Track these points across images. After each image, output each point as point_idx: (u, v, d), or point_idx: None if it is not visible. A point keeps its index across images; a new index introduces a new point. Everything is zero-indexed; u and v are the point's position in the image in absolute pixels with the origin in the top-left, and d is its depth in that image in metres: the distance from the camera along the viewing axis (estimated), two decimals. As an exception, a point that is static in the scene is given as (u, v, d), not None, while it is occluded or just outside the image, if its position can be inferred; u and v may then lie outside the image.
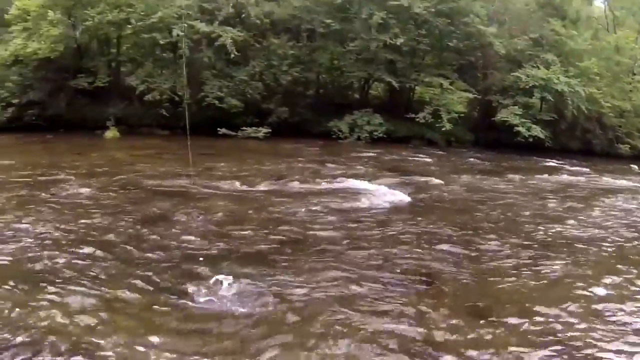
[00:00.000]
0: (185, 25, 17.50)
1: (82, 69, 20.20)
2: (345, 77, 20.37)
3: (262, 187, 9.62)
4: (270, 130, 18.07)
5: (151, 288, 4.52)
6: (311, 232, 6.64)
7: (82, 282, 4.55)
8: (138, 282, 4.64)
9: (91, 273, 4.80)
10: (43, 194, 8.34)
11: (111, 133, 18.12)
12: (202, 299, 4.34)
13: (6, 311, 3.85)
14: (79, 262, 5.12)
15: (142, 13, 18.46)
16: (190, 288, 4.56)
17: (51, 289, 4.34)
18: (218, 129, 17.80)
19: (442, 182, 11.34)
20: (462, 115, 22.41)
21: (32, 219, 6.70)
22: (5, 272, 4.82)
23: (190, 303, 4.27)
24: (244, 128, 18.16)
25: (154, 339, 3.56)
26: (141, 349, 3.41)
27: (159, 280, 4.72)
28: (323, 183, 9.93)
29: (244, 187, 9.52)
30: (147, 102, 18.77)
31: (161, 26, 18.28)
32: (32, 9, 20.29)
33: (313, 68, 19.74)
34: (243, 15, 18.61)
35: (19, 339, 3.48)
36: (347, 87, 21.69)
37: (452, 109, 20.98)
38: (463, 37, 21.42)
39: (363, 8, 19.48)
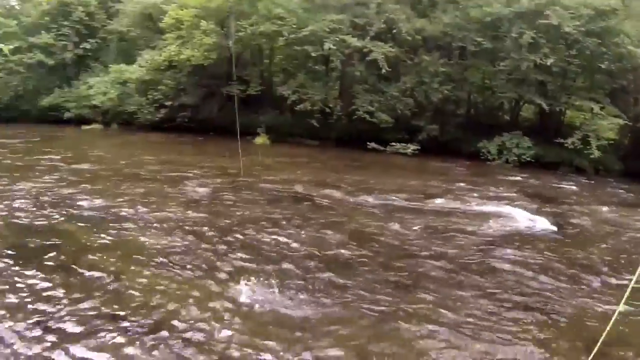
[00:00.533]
0: (337, 39, 18.19)
1: (235, 77, 21.44)
2: (496, 98, 20.03)
3: (403, 202, 9.93)
4: (419, 148, 18.31)
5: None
6: (444, 250, 6.87)
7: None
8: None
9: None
10: (186, 188, 9.95)
11: (261, 139, 19.35)
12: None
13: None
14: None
15: (294, 26, 19.37)
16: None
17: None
18: (367, 142, 18.39)
19: (586, 211, 11.04)
20: (612, 142, 21.22)
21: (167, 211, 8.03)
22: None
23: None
24: (393, 143, 18.55)
25: None
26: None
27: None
28: (466, 204, 10.12)
29: (383, 201, 9.88)
30: (298, 112, 19.65)
31: (313, 39, 19.05)
32: (186, 19, 21.99)
33: (464, 86, 19.66)
34: (394, 31, 18.94)
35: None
36: (498, 107, 21.33)
37: (602, 135, 19.95)
38: (614, 59, 20.31)
39: (513, 27, 19.07)
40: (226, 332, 4.19)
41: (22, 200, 8.65)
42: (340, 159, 16.71)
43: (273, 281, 5.31)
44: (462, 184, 12.63)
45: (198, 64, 21.47)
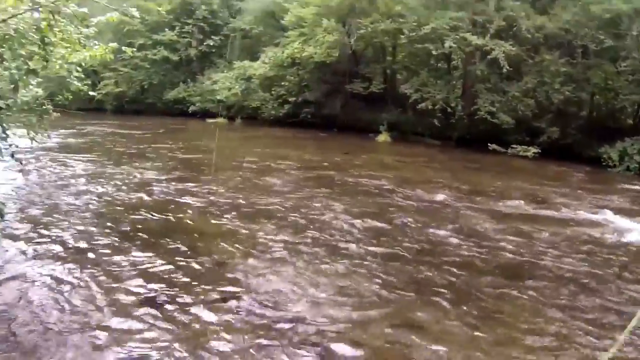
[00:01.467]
0: (458, 37, 19.18)
1: (358, 75, 23.18)
2: (619, 100, 19.65)
3: (514, 208, 9.84)
4: (539, 150, 18.48)
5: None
6: (550, 262, 6.67)
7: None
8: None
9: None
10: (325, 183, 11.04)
11: (383, 137, 20.91)
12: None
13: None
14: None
15: (415, 24, 20.58)
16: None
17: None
18: (488, 144, 18.92)
19: None
20: None
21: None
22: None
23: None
24: (514, 146, 18.84)
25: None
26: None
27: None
28: (578, 212, 9.75)
29: (494, 206, 9.89)
30: (420, 111, 20.79)
31: (433, 37, 20.16)
32: (308, 17, 23.96)
33: (586, 87, 19.28)
34: (514, 29, 19.43)
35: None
36: (620, 110, 20.89)
37: None
38: None
39: (633, 24, 18.73)
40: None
41: (153, 188, 10.02)
42: (459, 160, 17.35)
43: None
44: (579, 191, 12.26)
45: (321, 61, 23.38)
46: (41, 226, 7.13)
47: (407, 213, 8.84)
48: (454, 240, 7.36)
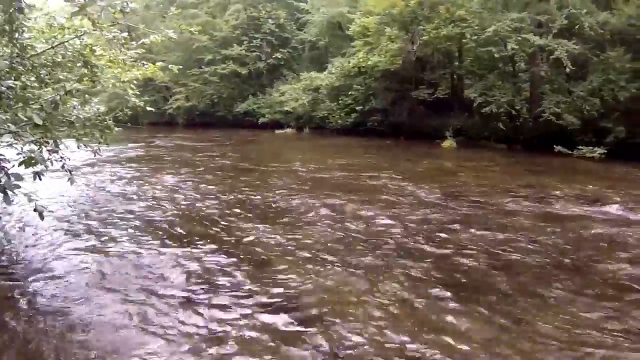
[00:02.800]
0: (520, 38, 20.26)
1: (424, 81, 24.85)
2: None
3: (568, 209, 10.09)
4: (605, 151, 18.76)
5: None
6: (599, 264, 6.83)
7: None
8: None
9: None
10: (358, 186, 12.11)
11: (448, 143, 22.22)
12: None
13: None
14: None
15: (477, 27, 21.99)
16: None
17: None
18: (554, 146, 19.51)
19: None
20: None
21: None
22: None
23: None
24: (580, 147, 19.25)
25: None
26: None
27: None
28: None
29: (546, 207, 10.17)
30: (486, 115, 21.72)
31: (496, 40, 21.43)
32: (372, 26, 25.93)
33: None
34: (577, 27, 20.12)
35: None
36: None
37: None
38: None
39: None
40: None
41: (210, 197, 10.91)
42: (522, 163, 17.92)
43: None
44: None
45: (386, 69, 25.24)
46: (71, 226, 8.49)
47: (446, 215, 9.34)
48: (499, 238, 7.82)
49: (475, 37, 22.02)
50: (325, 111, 29.19)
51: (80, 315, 5.07)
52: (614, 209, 10.07)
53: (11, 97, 5.46)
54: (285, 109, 32.07)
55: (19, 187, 5.13)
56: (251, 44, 38.14)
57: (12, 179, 5.08)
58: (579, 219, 9.22)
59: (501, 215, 9.50)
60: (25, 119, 5.44)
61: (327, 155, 18.96)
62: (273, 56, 37.62)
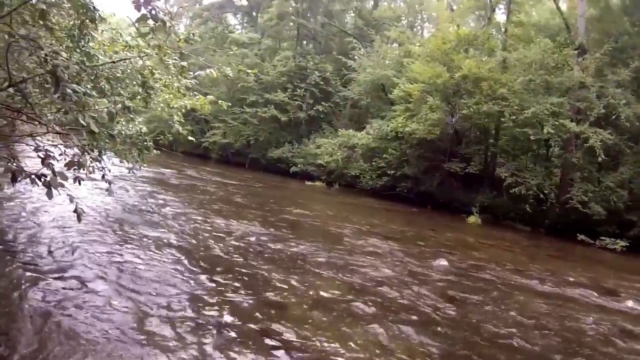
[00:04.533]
0: (557, 123, 21.81)
1: (457, 154, 26.64)
2: None
3: (583, 297, 10.57)
4: (627, 244, 19.62)
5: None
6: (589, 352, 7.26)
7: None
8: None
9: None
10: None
11: (473, 218, 23.48)
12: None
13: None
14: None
15: (516, 107, 23.64)
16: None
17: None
18: (577, 234, 20.58)
19: None
20: None
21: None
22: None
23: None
24: (603, 238, 20.24)
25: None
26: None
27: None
28: None
29: (564, 295, 10.66)
30: (514, 195, 23.01)
31: (534, 122, 23.11)
32: (415, 93, 27.81)
33: None
34: (614, 117, 21.44)
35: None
36: None
37: None
38: None
39: None
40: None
41: (230, 239, 11.46)
42: (542, 247, 18.96)
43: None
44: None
45: (423, 138, 26.92)
46: (101, 234, 9.65)
47: (456, 288, 9.92)
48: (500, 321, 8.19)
49: (514, 117, 23.50)
50: (357, 170, 30.98)
51: (92, 323, 5.68)
52: (629, 302, 10.56)
53: (73, 100, 5.66)
54: (319, 161, 34.09)
55: (62, 185, 5.57)
56: (295, 93, 40.74)
57: (58, 177, 5.48)
58: (592, 309, 9.65)
59: (511, 295, 10.01)
60: (84, 123, 5.69)
61: (353, 214, 20.35)
62: (314, 108, 40.12)
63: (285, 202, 20.63)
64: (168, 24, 6.22)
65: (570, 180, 22.69)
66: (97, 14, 6.22)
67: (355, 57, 37.27)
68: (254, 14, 55.59)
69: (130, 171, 9.50)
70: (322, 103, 40.13)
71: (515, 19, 28.56)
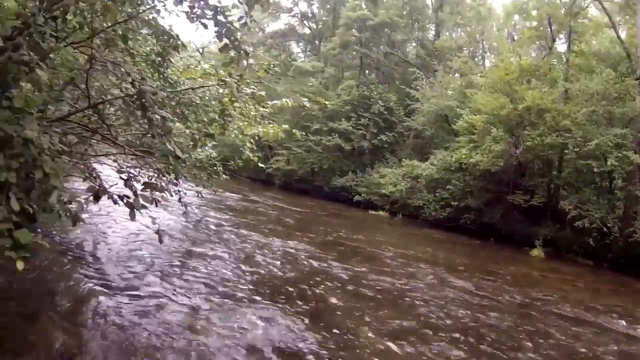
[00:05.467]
0: (620, 155, 22.34)
1: (521, 186, 27.45)
2: None
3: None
4: None
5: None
6: None
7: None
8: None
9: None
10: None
11: (536, 252, 24.04)
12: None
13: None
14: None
15: (580, 139, 24.28)
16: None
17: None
18: None
19: None
20: None
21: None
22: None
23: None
24: None
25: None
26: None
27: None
28: None
29: (615, 327, 11.28)
30: (577, 229, 23.42)
31: (597, 154, 23.69)
32: (478, 124, 28.85)
33: None
34: None
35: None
36: None
37: None
38: None
39: None
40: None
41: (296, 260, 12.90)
42: (607, 283, 19.27)
43: None
44: None
45: (486, 169, 27.78)
46: (176, 255, 10.80)
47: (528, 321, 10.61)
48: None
49: (577, 149, 24.06)
50: (421, 201, 32.03)
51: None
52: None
53: (159, 126, 5.86)
54: (382, 191, 35.36)
55: (146, 207, 5.84)
56: (359, 122, 42.46)
57: (141, 200, 5.74)
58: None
59: (574, 331, 10.44)
60: (171, 149, 5.87)
61: (416, 245, 21.41)
62: (378, 137, 41.69)
63: (348, 231, 21.69)
64: (250, 55, 6.62)
65: (634, 213, 22.93)
66: (180, 42, 6.69)
67: (418, 87, 38.69)
68: (316, 42, 57.91)
69: (199, 194, 10.30)
70: (386, 133, 41.73)
71: (576, 49, 29.09)
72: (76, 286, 7.56)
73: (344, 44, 47.55)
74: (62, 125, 6.85)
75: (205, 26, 6.29)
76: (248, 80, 7.90)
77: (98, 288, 7.55)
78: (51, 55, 6.36)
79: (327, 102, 9.60)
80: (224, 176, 9.98)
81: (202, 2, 6.15)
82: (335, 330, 7.89)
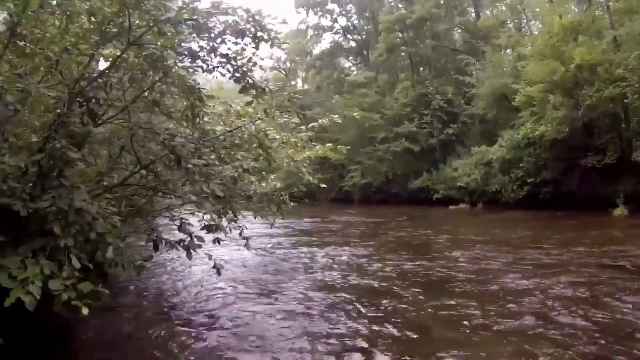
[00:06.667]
0: None
1: (592, 147, 27.09)
2: None
3: None
4: None
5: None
6: None
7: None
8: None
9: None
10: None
11: (619, 211, 23.80)
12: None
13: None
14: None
15: (637, 85, 23.88)
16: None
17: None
18: None
19: None
20: None
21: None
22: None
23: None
24: None
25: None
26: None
27: None
28: None
29: None
30: None
31: None
32: (536, 95, 28.88)
33: None
34: None
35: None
36: None
37: None
38: None
39: None
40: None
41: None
42: None
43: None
44: None
45: (554, 138, 27.76)
46: (243, 286, 10.83)
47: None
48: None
49: (637, 96, 23.87)
50: (498, 185, 32.15)
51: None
52: None
53: (196, 173, 6.41)
54: (459, 184, 35.82)
55: (200, 247, 6.63)
56: (422, 121, 43.12)
57: (195, 240, 6.66)
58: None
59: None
60: (208, 191, 6.42)
61: (499, 230, 21.28)
62: (444, 132, 42.13)
63: (429, 230, 21.88)
64: (267, 90, 7.26)
65: None
66: (202, 94, 7.08)
67: (472, 72, 38.86)
68: (365, 53, 58.84)
69: (272, 226, 10.82)
70: (451, 125, 42.04)
71: (615, -7, 28.50)
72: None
73: (390, 48, 48.15)
74: (124, 190, 7.90)
75: (223, 75, 7.08)
76: (277, 112, 8.53)
77: (177, 329, 8.08)
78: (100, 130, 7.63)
79: (356, 115, 9.86)
80: (291, 204, 10.41)
81: (213, 55, 6.97)
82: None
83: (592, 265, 12.27)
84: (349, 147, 11.99)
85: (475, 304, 9.01)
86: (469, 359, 6.53)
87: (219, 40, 6.82)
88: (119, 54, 6.54)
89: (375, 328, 7.80)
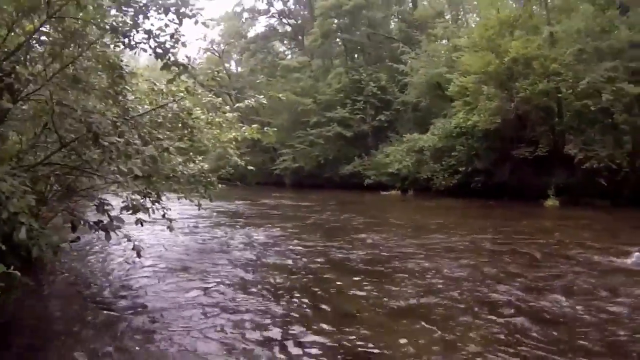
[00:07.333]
0: (614, 88, 22.42)
1: (524, 139, 27.67)
2: None
3: None
4: None
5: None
6: None
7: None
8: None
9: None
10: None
11: (550, 202, 24.40)
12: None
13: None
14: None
15: (571, 80, 24.51)
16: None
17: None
18: None
19: None
20: None
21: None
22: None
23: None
24: None
25: None
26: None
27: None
28: None
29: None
30: (587, 171, 23.56)
31: (591, 92, 23.75)
32: (469, 85, 29.42)
33: None
34: None
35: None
36: None
37: None
38: None
39: None
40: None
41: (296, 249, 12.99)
42: (626, 220, 18.99)
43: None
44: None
45: (486, 129, 28.36)
46: (167, 266, 10.63)
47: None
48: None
49: (570, 90, 24.49)
50: (429, 172, 32.52)
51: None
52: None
53: (113, 151, 6.32)
54: (390, 170, 36.16)
55: (119, 227, 6.52)
56: (355, 107, 43.36)
57: (114, 221, 6.59)
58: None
59: (591, 276, 9.77)
60: (126, 170, 6.49)
61: (429, 217, 21.18)
62: (377, 118, 42.49)
63: (360, 215, 21.49)
64: (189, 68, 7.40)
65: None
66: (124, 71, 7.25)
67: (407, 61, 39.27)
68: (299, 37, 58.59)
69: (199, 208, 10.71)
70: (384, 112, 42.42)
71: (552, -10, 29.21)
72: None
73: (325, 34, 48.22)
74: (48, 169, 7.74)
75: (145, 50, 7.18)
76: (198, 91, 8.79)
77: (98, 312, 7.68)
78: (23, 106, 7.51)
79: (281, 96, 9.99)
80: (219, 186, 10.41)
81: (135, 30, 7.01)
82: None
83: (503, 252, 12.63)
84: (276, 129, 11.84)
85: (374, 281, 9.47)
86: (361, 332, 6.78)
87: (141, 16, 6.88)
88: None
89: (283, 303, 8.12)
